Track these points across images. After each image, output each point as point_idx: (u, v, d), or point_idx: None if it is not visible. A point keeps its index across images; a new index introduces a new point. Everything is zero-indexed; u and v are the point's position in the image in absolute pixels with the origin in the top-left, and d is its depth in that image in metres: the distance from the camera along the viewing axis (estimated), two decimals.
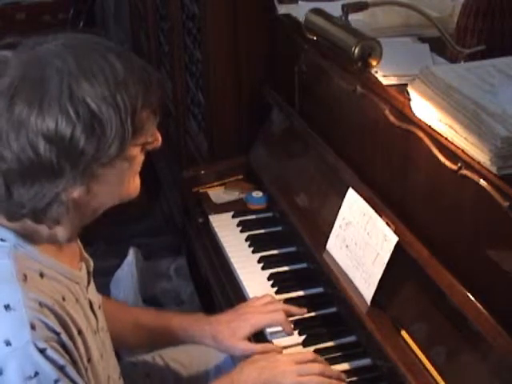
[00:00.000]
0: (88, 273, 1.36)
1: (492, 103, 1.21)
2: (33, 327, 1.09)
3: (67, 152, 1.11)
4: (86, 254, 1.39)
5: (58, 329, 1.13)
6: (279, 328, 1.55)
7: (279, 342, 1.53)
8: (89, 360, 1.24)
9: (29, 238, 1.20)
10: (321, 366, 1.41)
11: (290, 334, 1.54)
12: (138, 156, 1.23)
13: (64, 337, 1.14)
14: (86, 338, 1.23)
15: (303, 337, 1.53)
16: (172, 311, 1.72)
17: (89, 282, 1.35)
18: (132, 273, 2.56)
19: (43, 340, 1.10)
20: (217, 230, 1.92)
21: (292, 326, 1.56)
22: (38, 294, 1.14)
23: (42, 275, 1.18)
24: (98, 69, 1.13)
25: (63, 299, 1.19)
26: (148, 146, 1.25)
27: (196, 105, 2.52)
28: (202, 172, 2.12)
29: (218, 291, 1.79)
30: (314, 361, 1.43)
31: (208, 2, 2.12)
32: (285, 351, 1.50)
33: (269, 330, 1.55)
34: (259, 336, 1.55)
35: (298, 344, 1.52)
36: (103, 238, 3.03)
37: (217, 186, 2.10)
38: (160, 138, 1.27)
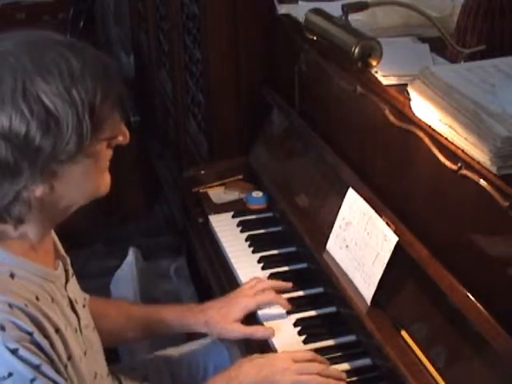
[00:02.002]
0: (66, 270, 1.35)
1: (492, 103, 1.21)
2: (2, 328, 1.10)
3: (23, 150, 1.11)
4: (63, 252, 1.39)
5: (31, 328, 1.13)
6: (271, 311, 1.59)
7: (272, 324, 1.57)
8: (69, 358, 1.23)
9: None
10: (320, 365, 1.41)
11: (286, 307, 1.59)
12: (103, 152, 1.22)
13: (37, 336, 1.14)
14: (65, 336, 1.22)
15: (303, 337, 1.53)
16: (162, 303, 1.74)
17: (67, 280, 1.34)
18: (132, 273, 2.56)
19: (14, 340, 1.10)
20: (217, 229, 1.92)
21: (285, 300, 1.60)
22: (8, 296, 1.13)
23: (12, 276, 1.18)
24: (52, 65, 1.13)
25: (37, 298, 1.18)
26: (114, 142, 1.25)
27: (196, 105, 2.52)
28: (202, 172, 2.12)
29: (218, 291, 1.79)
30: (313, 360, 1.43)
31: (208, 2, 2.12)
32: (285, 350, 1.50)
33: (261, 313, 1.59)
34: (252, 319, 1.59)
35: (298, 344, 1.52)
36: (103, 239, 3.03)
37: (217, 185, 2.10)
38: (127, 133, 1.27)
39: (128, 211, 3.10)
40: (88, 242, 2.91)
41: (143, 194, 3.31)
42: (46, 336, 1.17)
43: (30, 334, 1.13)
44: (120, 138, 1.26)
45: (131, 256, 2.60)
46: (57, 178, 1.17)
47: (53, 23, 4.28)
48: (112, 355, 1.57)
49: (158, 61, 3.13)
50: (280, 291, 1.64)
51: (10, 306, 1.12)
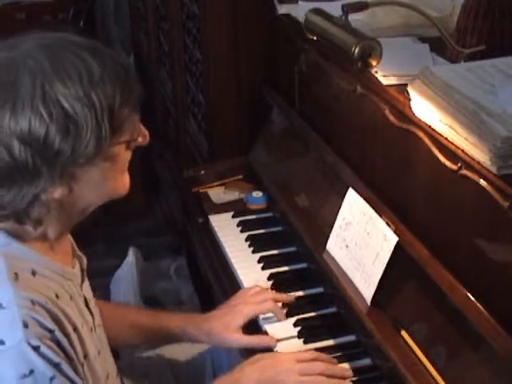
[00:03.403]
0: (82, 270, 1.36)
1: (492, 103, 1.21)
2: (25, 325, 1.10)
3: (42, 153, 1.11)
4: (79, 252, 1.39)
5: (52, 326, 1.13)
6: (271, 314, 1.58)
7: (272, 328, 1.56)
8: (85, 356, 1.24)
9: (19, 236, 1.20)
10: (324, 365, 1.41)
11: (283, 320, 1.57)
12: (121, 154, 1.22)
13: (58, 334, 1.14)
14: (82, 335, 1.23)
15: (303, 337, 1.53)
16: (168, 311, 1.72)
17: (83, 280, 1.35)
18: (132, 273, 2.56)
19: (37, 338, 1.10)
20: (217, 229, 1.92)
21: (284, 312, 1.58)
22: (30, 293, 1.14)
23: (33, 273, 1.18)
24: (72, 68, 1.13)
25: (56, 296, 1.19)
26: (134, 144, 1.25)
27: (196, 105, 2.52)
28: (202, 172, 2.12)
29: (218, 291, 1.79)
30: (316, 359, 1.42)
31: (208, 2, 2.12)
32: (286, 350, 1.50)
33: (261, 317, 1.58)
34: (252, 325, 1.57)
35: (298, 344, 1.52)
36: (103, 238, 3.03)
37: (217, 185, 2.10)
38: (147, 134, 1.27)
39: (128, 211, 3.10)
40: (88, 242, 2.90)
41: (143, 194, 3.31)
42: (66, 334, 1.17)
43: (52, 331, 1.13)
44: (139, 140, 1.26)
45: (131, 256, 2.60)
46: (75, 180, 1.17)
47: (53, 23, 4.28)
48: (112, 352, 1.57)
49: (157, 61, 3.13)
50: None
51: (33, 302, 1.13)
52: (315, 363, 1.41)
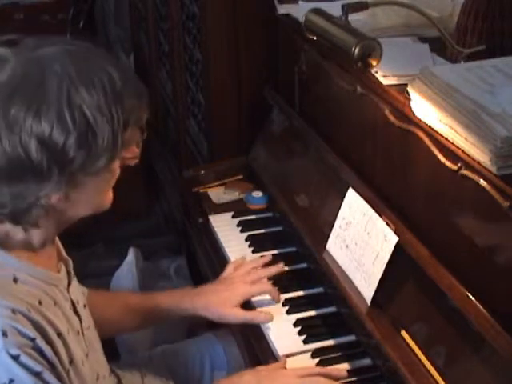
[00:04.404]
0: (68, 273, 1.35)
1: (492, 103, 1.21)
2: (5, 334, 1.09)
3: (57, 158, 1.11)
4: (65, 254, 1.39)
5: (33, 334, 1.13)
6: (263, 297, 1.63)
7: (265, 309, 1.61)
8: (71, 362, 1.23)
9: (1, 243, 1.19)
10: (325, 381, 1.40)
11: (278, 302, 1.63)
12: (117, 169, 1.23)
13: (40, 342, 1.14)
14: (67, 340, 1.22)
15: (303, 336, 1.53)
16: (158, 291, 1.76)
17: (69, 282, 1.34)
18: (132, 273, 2.56)
19: (16, 347, 1.09)
20: (217, 229, 1.92)
21: (278, 292, 1.64)
22: (11, 301, 1.13)
23: (15, 280, 1.17)
24: (96, 78, 1.13)
25: (39, 303, 1.18)
26: (125, 162, 1.26)
27: (196, 105, 2.52)
28: (202, 172, 2.12)
29: None
30: (318, 374, 1.42)
31: (208, 2, 2.12)
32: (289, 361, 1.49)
33: (254, 299, 1.64)
34: (245, 305, 1.62)
35: (298, 344, 1.52)
36: (103, 238, 3.03)
37: (217, 185, 2.10)
38: (138, 156, 1.29)
39: (128, 211, 3.10)
40: (88, 242, 2.90)
41: (143, 194, 3.31)
42: (49, 341, 1.16)
43: (33, 339, 1.13)
44: (132, 160, 1.28)
45: (131, 256, 2.60)
46: (75, 187, 1.17)
47: (52, 23, 4.28)
48: (111, 352, 1.58)
49: (157, 61, 3.13)
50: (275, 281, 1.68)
51: (13, 311, 1.12)
52: (317, 378, 1.40)
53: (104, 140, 1.12)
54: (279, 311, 1.61)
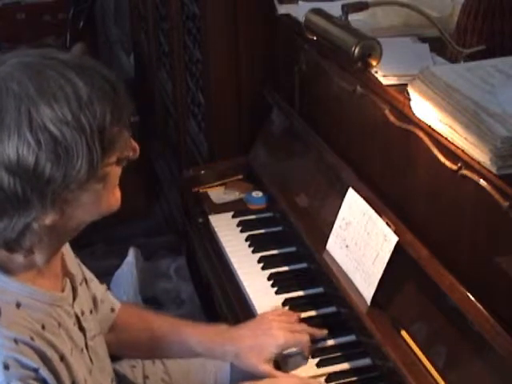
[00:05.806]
0: (73, 288, 1.30)
1: (492, 103, 1.21)
2: (6, 367, 1.07)
3: (33, 182, 1.06)
4: (70, 268, 1.32)
5: (37, 364, 1.10)
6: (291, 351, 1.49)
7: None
8: (73, 383, 1.20)
9: (2, 268, 1.16)
10: None
11: (306, 359, 1.48)
12: (112, 172, 1.16)
13: (43, 371, 1.11)
14: (70, 362, 1.19)
15: None
16: (190, 322, 1.59)
17: (74, 297, 1.29)
18: (132, 273, 2.56)
19: (18, 379, 1.07)
20: (217, 229, 1.92)
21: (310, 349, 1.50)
22: (14, 329, 1.10)
23: (18, 305, 1.14)
24: (58, 90, 1.06)
25: (43, 327, 1.15)
26: (124, 159, 1.19)
27: (196, 105, 2.52)
28: (202, 172, 2.12)
29: (218, 291, 1.79)
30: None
31: (208, 2, 2.12)
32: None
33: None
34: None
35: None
36: (103, 238, 3.03)
37: (217, 185, 2.10)
38: (137, 148, 1.21)
39: (128, 211, 3.09)
40: (88, 242, 2.90)
41: (143, 194, 3.31)
42: (52, 369, 1.13)
43: (36, 370, 1.10)
44: (130, 154, 1.20)
45: (131, 256, 2.60)
46: (67, 203, 1.12)
47: (53, 23, 4.29)
48: (112, 354, 1.57)
49: (157, 61, 3.13)
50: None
51: (16, 341, 1.09)
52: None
53: (79, 153, 1.07)
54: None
